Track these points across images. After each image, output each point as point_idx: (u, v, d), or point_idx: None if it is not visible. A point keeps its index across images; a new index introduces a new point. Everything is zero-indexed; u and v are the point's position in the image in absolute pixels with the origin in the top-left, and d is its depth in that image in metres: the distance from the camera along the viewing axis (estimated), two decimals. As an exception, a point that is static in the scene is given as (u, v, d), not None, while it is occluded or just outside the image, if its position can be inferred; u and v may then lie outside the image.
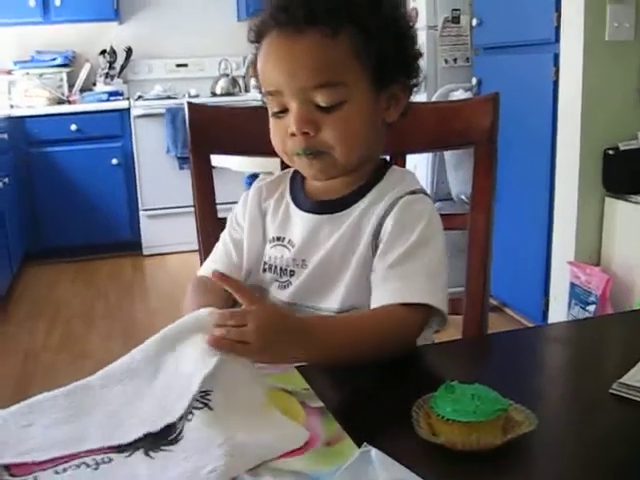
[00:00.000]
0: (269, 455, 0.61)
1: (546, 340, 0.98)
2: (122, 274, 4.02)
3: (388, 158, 1.08)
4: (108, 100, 4.26)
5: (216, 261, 1.02)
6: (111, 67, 4.47)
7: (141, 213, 4.31)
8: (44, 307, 3.46)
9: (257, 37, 0.90)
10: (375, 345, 0.80)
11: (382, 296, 0.85)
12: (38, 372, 2.69)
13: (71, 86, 4.41)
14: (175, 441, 0.62)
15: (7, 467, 0.60)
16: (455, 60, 3.24)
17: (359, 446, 0.60)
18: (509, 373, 0.83)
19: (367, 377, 0.80)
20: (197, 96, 4.51)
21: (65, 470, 0.59)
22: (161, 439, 0.63)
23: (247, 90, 4.67)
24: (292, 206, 0.98)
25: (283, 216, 0.98)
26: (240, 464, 0.59)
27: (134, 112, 4.17)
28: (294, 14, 0.84)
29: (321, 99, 0.85)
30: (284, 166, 1.05)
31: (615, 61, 2.35)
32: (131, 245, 4.30)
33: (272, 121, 0.91)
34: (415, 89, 0.94)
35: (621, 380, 0.73)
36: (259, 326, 0.70)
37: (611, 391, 0.72)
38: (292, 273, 0.94)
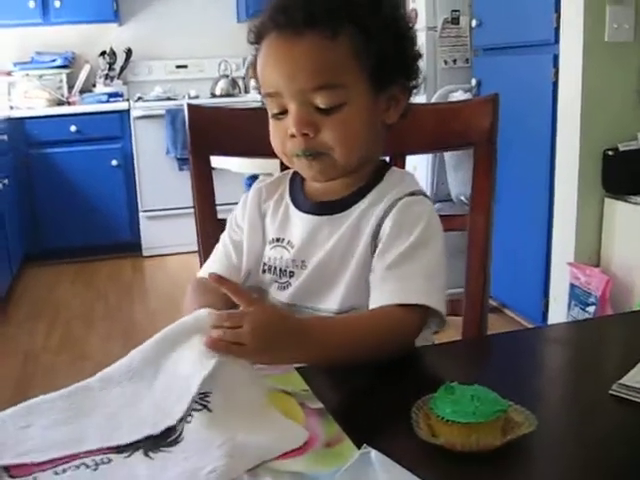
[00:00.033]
0: (269, 455, 0.61)
1: (546, 341, 0.98)
2: (122, 275, 4.02)
3: (388, 159, 1.08)
4: (108, 101, 4.26)
5: (216, 262, 1.02)
6: (111, 68, 4.47)
7: (141, 214, 4.31)
8: (44, 308, 3.46)
9: (257, 38, 0.90)
10: (373, 346, 0.80)
11: (380, 297, 0.85)
12: (38, 373, 2.69)
13: (71, 87, 4.41)
14: (175, 442, 0.62)
15: (6, 468, 0.60)
16: (455, 61, 3.24)
17: (359, 447, 0.60)
18: (509, 374, 0.83)
19: (366, 378, 0.80)
20: (197, 97, 4.51)
21: (64, 471, 0.59)
22: (161, 440, 0.63)
23: (247, 91, 4.68)
24: (292, 207, 0.98)
25: (283, 217, 0.98)
26: (240, 465, 0.59)
27: (134, 113, 4.17)
28: (293, 16, 0.84)
29: (320, 101, 0.85)
30: (284, 167, 1.05)
31: (614, 62, 2.35)
32: (131, 246, 4.30)
33: (272, 122, 0.91)
34: (414, 90, 0.94)
35: (621, 381, 0.73)
36: (255, 328, 0.70)
37: (611, 392, 0.72)
38: (291, 274, 0.94)
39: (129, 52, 4.52)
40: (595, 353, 0.91)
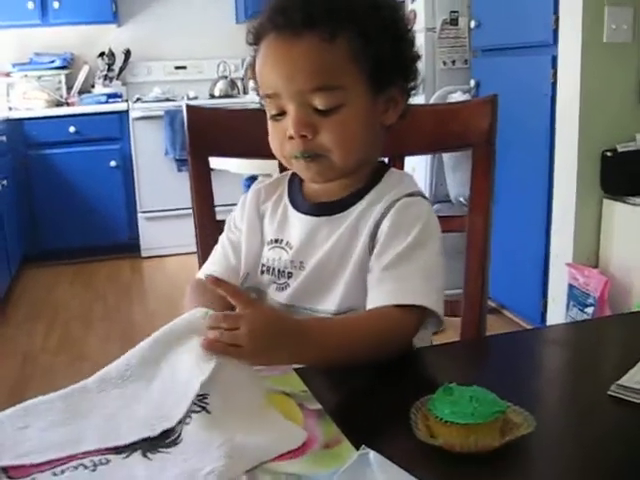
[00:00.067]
0: (267, 456, 0.61)
1: (544, 342, 0.98)
2: (120, 276, 4.02)
3: (386, 160, 1.08)
4: (107, 102, 4.26)
5: (214, 264, 1.02)
6: (110, 69, 4.47)
7: (139, 215, 4.31)
8: (42, 309, 3.46)
9: (255, 40, 0.90)
10: (371, 346, 0.80)
11: (377, 297, 0.85)
12: (36, 374, 2.69)
13: (69, 88, 4.41)
14: (173, 444, 0.62)
15: (5, 469, 0.60)
16: (453, 62, 3.24)
17: (357, 448, 0.59)
18: (507, 375, 0.83)
19: (365, 379, 0.80)
20: (196, 98, 4.52)
21: (63, 472, 0.59)
22: (159, 441, 0.63)
23: (245, 92, 4.68)
24: (290, 208, 0.98)
25: (281, 218, 0.98)
26: (238, 466, 0.59)
27: (132, 114, 4.17)
28: (292, 17, 0.84)
29: (319, 102, 0.85)
30: (282, 168, 1.05)
31: (613, 63, 2.36)
32: (129, 247, 4.30)
33: (270, 124, 0.91)
34: (413, 92, 0.94)
35: (619, 382, 0.73)
36: (252, 329, 0.70)
37: (609, 393, 0.72)
38: (290, 275, 0.94)
39: (128, 53, 4.52)
40: (593, 354, 0.91)
